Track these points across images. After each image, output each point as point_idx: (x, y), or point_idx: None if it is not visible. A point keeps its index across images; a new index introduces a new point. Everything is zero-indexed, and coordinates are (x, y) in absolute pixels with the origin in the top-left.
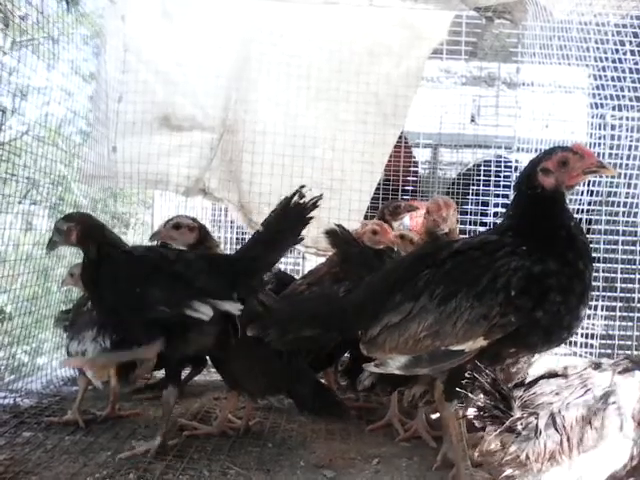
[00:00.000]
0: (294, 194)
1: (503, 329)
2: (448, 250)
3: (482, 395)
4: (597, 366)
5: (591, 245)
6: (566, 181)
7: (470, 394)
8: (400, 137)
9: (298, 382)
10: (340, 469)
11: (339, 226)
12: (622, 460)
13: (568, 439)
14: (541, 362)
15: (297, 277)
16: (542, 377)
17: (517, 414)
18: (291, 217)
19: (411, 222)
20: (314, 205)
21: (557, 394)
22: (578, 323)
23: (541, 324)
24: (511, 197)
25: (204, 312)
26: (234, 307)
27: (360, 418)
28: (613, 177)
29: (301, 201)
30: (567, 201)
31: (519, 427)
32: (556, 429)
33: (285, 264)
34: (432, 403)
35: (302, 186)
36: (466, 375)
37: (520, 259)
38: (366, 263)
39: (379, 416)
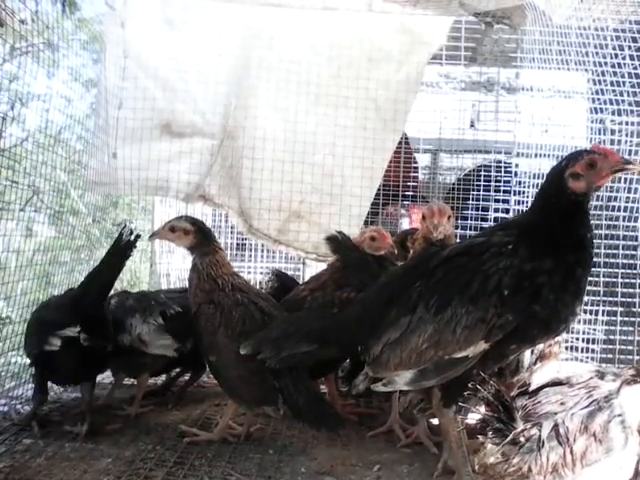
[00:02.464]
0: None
1: (502, 329)
2: (437, 258)
3: (485, 407)
4: (602, 375)
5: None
6: (595, 182)
7: (469, 403)
8: (400, 142)
9: (295, 392)
10: (341, 475)
11: (339, 232)
12: (626, 475)
13: (571, 452)
14: (543, 370)
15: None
16: (546, 385)
17: (520, 426)
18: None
19: (411, 227)
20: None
21: (562, 404)
22: (574, 317)
23: (540, 317)
24: (512, 202)
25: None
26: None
27: (361, 424)
28: (613, 182)
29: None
30: (589, 211)
31: (522, 439)
32: (559, 441)
33: (285, 270)
34: (427, 410)
35: (124, 226)
36: (467, 382)
37: (507, 258)
38: (367, 269)
39: (380, 422)
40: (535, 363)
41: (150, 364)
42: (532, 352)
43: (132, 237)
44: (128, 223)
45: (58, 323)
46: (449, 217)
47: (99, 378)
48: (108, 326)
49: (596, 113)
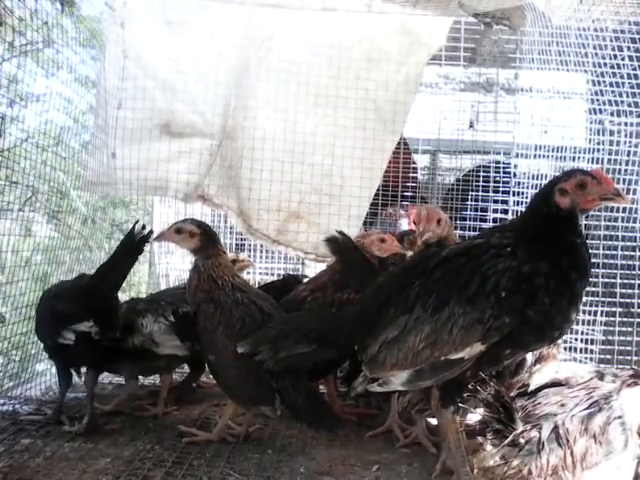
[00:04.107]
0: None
1: (499, 331)
2: (436, 259)
3: (484, 408)
4: (602, 376)
5: (590, 251)
6: (581, 204)
7: (468, 404)
8: (399, 143)
9: (293, 392)
10: (340, 475)
11: (340, 232)
12: (626, 478)
13: (572, 454)
14: (543, 372)
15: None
16: (545, 386)
17: (520, 427)
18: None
19: (410, 228)
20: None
21: (562, 405)
22: (569, 325)
23: (533, 322)
24: (510, 202)
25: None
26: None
27: (360, 424)
28: None
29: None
30: (580, 223)
31: (522, 441)
32: (559, 443)
33: (284, 270)
34: (425, 411)
35: (137, 221)
36: (464, 383)
37: (506, 260)
38: (367, 270)
39: (379, 422)
40: (535, 364)
41: (164, 366)
42: (532, 353)
43: (146, 231)
44: (136, 221)
45: (72, 317)
46: (439, 220)
47: (99, 378)
48: (118, 319)
49: (595, 114)
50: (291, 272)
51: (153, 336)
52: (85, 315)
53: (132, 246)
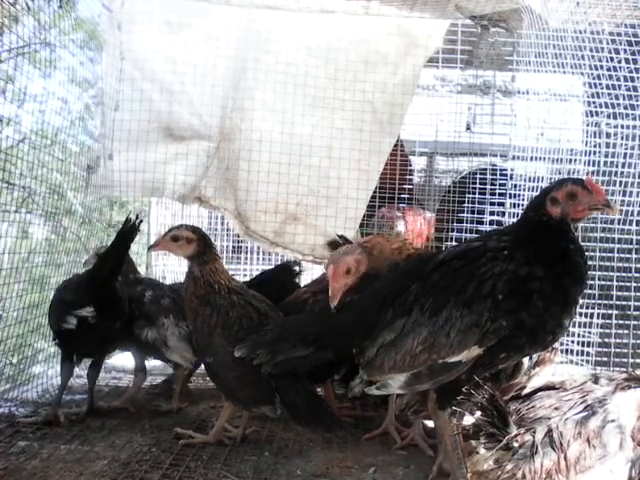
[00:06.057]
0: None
1: (496, 334)
2: (433, 262)
3: (478, 412)
4: (596, 379)
5: (587, 253)
6: (572, 213)
7: (463, 408)
8: (396, 145)
9: (292, 392)
10: (337, 478)
11: (341, 236)
12: None
13: (565, 457)
14: (541, 375)
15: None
16: (539, 389)
17: (513, 430)
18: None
19: (406, 230)
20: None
21: (556, 408)
22: (561, 330)
23: (527, 326)
24: (507, 205)
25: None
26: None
27: (357, 426)
28: (608, 186)
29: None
30: (573, 230)
31: (515, 444)
32: (552, 447)
33: None
34: (421, 412)
35: (130, 212)
36: (460, 386)
37: (503, 263)
38: (367, 273)
39: (376, 424)
40: (534, 367)
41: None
42: (530, 357)
43: (137, 221)
44: (133, 211)
45: (74, 303)
46: (348, 270)
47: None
48: (119, 304)
49: (592, 116)
50: None
51: (167, 339)
52: (86, 301)
53: (124, 234)
